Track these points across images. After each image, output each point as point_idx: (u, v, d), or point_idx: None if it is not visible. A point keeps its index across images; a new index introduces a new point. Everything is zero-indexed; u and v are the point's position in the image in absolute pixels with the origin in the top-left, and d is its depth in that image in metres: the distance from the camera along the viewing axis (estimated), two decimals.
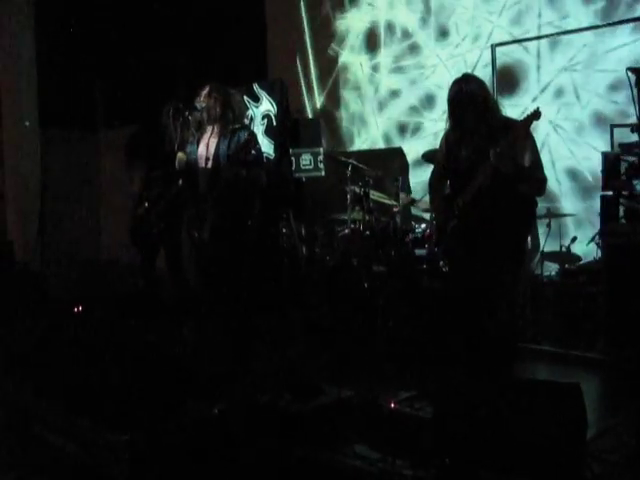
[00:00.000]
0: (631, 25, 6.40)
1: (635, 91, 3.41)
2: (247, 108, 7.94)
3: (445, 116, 4.66)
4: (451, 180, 4.74)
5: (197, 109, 5.43)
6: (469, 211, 4.46)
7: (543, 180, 4.40)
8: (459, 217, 4.53)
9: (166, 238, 6.14)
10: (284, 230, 7.06)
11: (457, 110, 4.44)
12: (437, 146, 4.97)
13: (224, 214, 5.27)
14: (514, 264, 4.57)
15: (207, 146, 5.40)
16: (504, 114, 4.56)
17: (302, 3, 9.51)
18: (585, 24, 6.81)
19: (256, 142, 5.36)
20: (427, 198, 6.07)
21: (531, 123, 4.21)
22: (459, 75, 4.59)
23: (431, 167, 5.14)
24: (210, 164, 5.31)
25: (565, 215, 6.76)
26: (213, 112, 5.40)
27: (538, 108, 4.20)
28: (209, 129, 5.45)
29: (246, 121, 6.26)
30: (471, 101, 4.37)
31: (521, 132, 4.24)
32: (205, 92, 5.44)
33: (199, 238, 5.31)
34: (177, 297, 6.15)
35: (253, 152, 5.15)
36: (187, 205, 5.48)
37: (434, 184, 4.92)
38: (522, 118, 4.26)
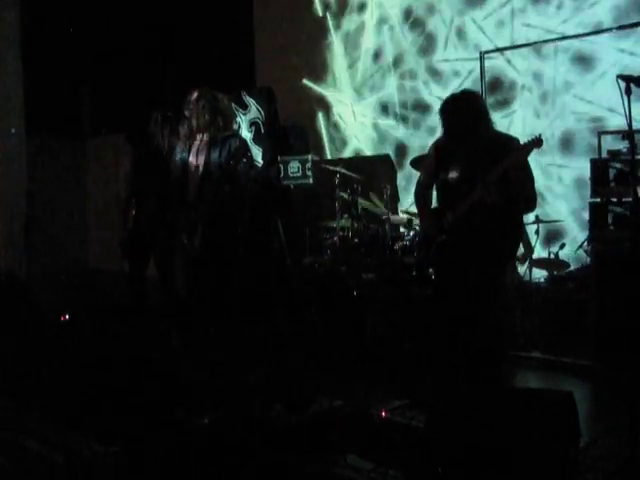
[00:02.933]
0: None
1: (625, 98, 3.41)
2: (235, 116, 7.93)
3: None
4: (439, 191, 4.71)
5: (186, 116, 5.38)
6: (459, 227, 4.44)
7: (532, 200, 4.41)
8: (448, 232, 4.51)
9: (156, 247, 6.11)
10: (272, 238, 7.04)
11: (451, 119, 4.42)
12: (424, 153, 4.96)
13: (214, 222, 5.24)
14: (501, 280, 4.58)
15: (197, 154, 5.34)
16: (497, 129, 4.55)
17: (292, 8, 9.52)
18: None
19: (247, 150, 5.32)
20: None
21: (531, 151, 4.16)
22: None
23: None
24: (200, 172, 5.27)
25: (553, 221, 6.76)
26: (202, 119, 5.33)
27: (540, 135, 4.12)
28: (199, 136, 5.39)
29: (235, 126, 6.23)
30: (466, 111, 4.35)
31: (518, 159, 4.18)
32: (193, 98, 5.36)
33: (189, 245, 5.29)
34: (169, 306, 6.12)
35: (244, 160, 5.12)
36: (178, 213, 5.44)
37: (420, 194, 4.89)
38: (522, 144, 4.19)
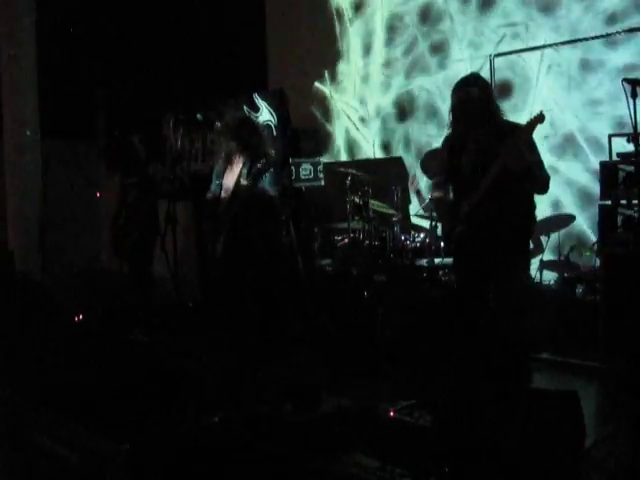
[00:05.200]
0: None
1: (631, 102, 3.43)
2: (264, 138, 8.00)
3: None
4: (454, 185, 4.71)
5: (224, 134, 5.89)
6: (476, 215, 4.45)
7: (547, 179, 4.43)
8: (466, 222, 4.52)
9: (140, 246, 6.33)
10: (284, 239, 7.08)
11: (461, 113, 4.44)
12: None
13: (235, 233, 5.65)
14: (522, 266, 4.56)
15: (232, 172, 5.82)
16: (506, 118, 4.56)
17: (304, 11, 9.57)
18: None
19: (266, 170, 5.62)
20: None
21: (535, 126, 4.23)
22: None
23: None
24: (231, 188, 5.76)
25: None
26: (240, 145, 5.82)
27: (542, 111, 4.20)
28: (236, 157, 5.84)
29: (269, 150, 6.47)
30: (476, 104, 4.37)
31: (525, 134, 4.25)
32: (235, 125, 5.91)
33: (213, 250, 5.73)
34: (143, 302, 6.41)
35: (265, 175, 5.57)
36: (209, 221, 5.94)
37: (437, 193, 4.88)
38: (528, 120, 4.27)
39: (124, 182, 7.00)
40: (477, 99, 4.38)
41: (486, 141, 4.39)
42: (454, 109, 4.50)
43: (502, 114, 4.50)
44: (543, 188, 4.50)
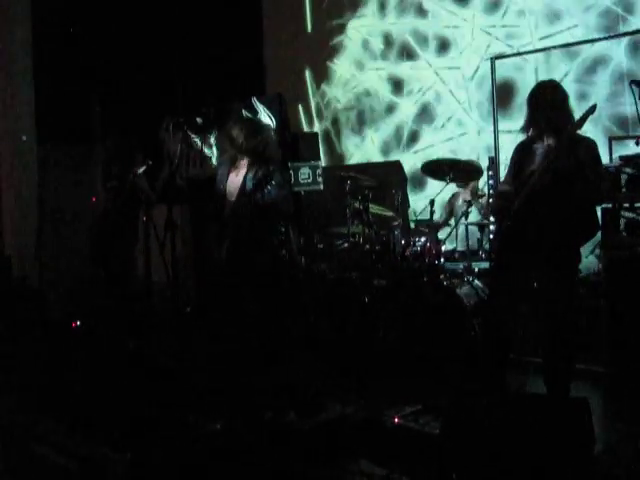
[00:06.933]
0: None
1: (639, 103, 3.40)
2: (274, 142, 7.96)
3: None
4: (517, 187, 4.65)
5: (229, 137, 5.74)
6: (522, 213, 4.42)
7: (599, 185, 4.37)
8: (512, 218, 4.48)
9: (116, 250, 6.33)
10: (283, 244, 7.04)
11: (531, 116, 4.45)
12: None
13: (238, 238, 5.59)
14: (562, 271, 4.46)
15: (237, 176, 5.73)
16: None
17: (300, 17, 9.56)
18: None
19: (271, 178, 5.52)
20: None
21: (587, 119, 4.20)
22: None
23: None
24: (235, 194, 5.66)
25: None
26: (244, 145, 5.70)
27: (595, 104, 4.18)
28: (240, 160, 5.75)
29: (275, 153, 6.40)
30: (547, 109, 4.35)
31: (577, 127, 4.23)
32: (238, 126, 5.79)
33: (217, 255, 5.68)
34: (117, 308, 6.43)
35: (268, 187, 5.43)
36: (212, 225, 5.91)
37: (499, 204, 4.83)
38: (580, 116, 4.24)
39: (105, 185, 6.97)
40: (550, 103, 4.36)
41: (551, 147, 4.35)
42: (531, 110, 4.48)
43: (573, 124, 4.42)
44: (593, 194, 4.44)
